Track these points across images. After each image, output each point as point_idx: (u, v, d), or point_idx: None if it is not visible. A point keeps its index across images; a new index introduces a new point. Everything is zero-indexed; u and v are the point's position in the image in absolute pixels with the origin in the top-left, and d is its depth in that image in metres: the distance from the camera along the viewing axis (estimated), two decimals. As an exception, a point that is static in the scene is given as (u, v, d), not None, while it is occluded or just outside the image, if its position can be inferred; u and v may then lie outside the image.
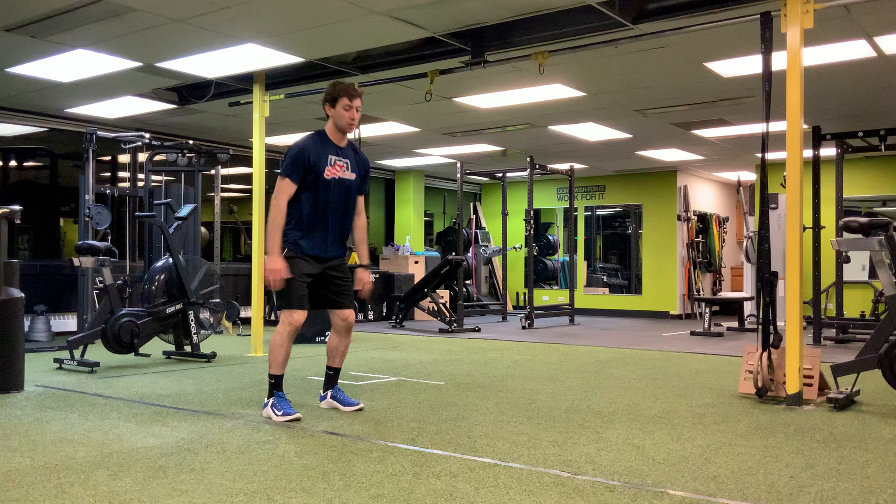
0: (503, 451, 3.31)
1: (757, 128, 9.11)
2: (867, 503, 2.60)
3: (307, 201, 4.01)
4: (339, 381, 4.34)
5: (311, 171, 3.96)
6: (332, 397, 4.26)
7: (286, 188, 3.97)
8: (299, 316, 3.99)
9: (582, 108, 8.33)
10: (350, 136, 4.22)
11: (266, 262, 3.95)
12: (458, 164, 10.92)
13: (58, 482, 2.80)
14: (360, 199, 4.25)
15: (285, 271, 3.90)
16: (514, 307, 14.03)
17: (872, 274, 10.25)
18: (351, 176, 4.11)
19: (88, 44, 6.06)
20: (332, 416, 4.07)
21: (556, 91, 7.55)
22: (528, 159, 10.64)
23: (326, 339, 7.85)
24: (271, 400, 4.02)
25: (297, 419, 3.91)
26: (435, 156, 11.85)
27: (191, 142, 8.83)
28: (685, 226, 13.14)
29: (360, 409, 4.20)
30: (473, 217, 14.33)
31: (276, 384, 4.04)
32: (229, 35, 5.83)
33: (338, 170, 4.04)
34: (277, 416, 3.93)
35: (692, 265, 13.15)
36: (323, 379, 4.39)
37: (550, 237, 14.76)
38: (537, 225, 14.09)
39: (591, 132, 9.72)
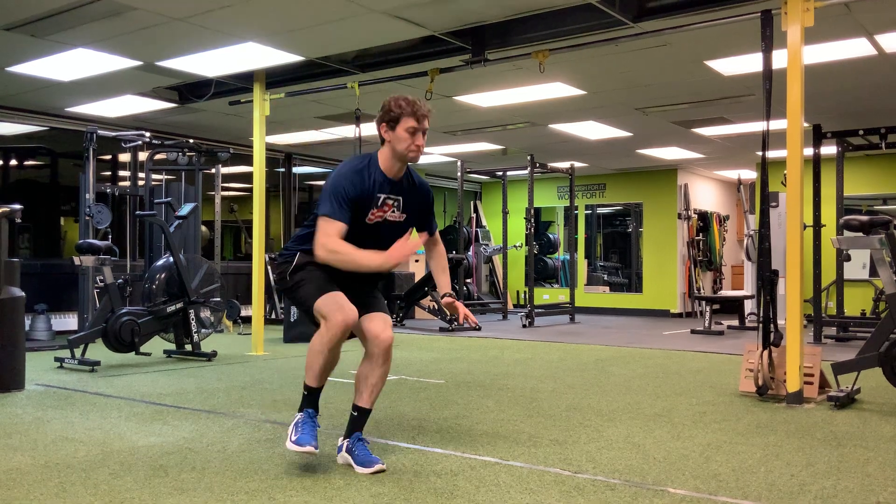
0: (504, 449, 3.31)
1: (757, 126, 9.10)
2: (868, 501, 2.61)
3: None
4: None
5: (352, 209, 2.99)
6: (349, 450, 3.03)
7: (332, 230, 2.93)
8: (338, 313, 2.88)
9: (582, 106, 8.32)
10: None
11: (387, 262, 2.92)
12: (459, 163, 10.92)
13: (59, 481, 2.80)
14: (433, 238, 3.36)
15: (403, 246, 2.94)
16: (515, 306, 14.03)
17: (873, 272, 10.24)
18: (400, 218, 3.13)
19: (89, 43, 6.06)
20: (332, 414, 4.06)
21: (557, 89, 7.55)
22: (529, 158, 10.64)
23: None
24: (298, 416, 3.03)
25: (309, 453, 2.95)
26: (435, 154, 11.84)
27: (191, 140, 8.84)
28: (686, 224, 13.14)
29: (381, 472, 2.95)
30: (474, 215, 14.33)
31: (308, 398, 3.04)
32: (229, 34, 5.82)
33: (385, 210, 3.08)
34: (290, 440, 2.95)
35: (693, 263, 13.15)
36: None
37: (551, 235, 14.76)
38: (538, 223, 14.09)
39: (592, 130, 9.72)
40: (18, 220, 5.21)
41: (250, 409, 4.22)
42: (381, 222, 3.08)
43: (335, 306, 2.90)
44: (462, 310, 3.21)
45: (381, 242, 3.04)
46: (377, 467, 2.95)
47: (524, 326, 10.08)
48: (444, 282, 3.32)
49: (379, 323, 3.05)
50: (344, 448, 3.07)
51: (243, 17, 5.43)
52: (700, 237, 13.38)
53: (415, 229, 3.29)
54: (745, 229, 11.32)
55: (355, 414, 3.08)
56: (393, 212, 3.10)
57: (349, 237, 2.96)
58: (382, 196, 3.05)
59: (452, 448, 3.33)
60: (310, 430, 2.96)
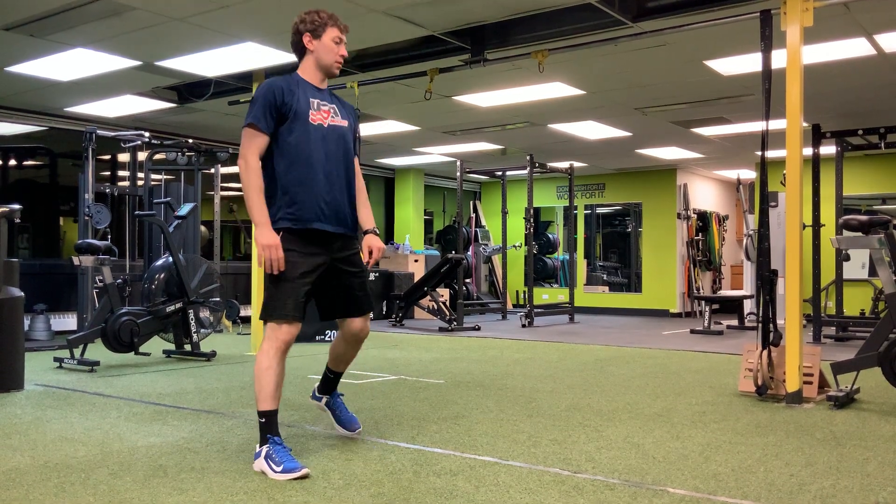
0: (503, 449, 3.31)
1: (757, 126, 9.10)
2: (867, 501, 2.61)
3: (291, 159, 3.02)
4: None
5: (287, 114, 3.02)
6: (328, 404, 3.48)
7: (253, 139, 2.99)
8: (289, 331, 2.97)
9: (581, 106, 8.32)
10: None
11: (256, 238, 2.96)
12: (458, 163, 10.92)
13: (58, 481, 2.80)
14: (356, 161, 3.33)
15: (280, 248, 2.95)
16: (514, 305, 14.03)
17: (872, 272, 10.25)
18: (344, 122, 3.19)
19: (88, 42, 6.06)
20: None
21: (556, 89, 7.55)
22: (528, 158, 10.64)
23: (328, 339, 7.90)
24: (264, 449, 2.90)
25: (305, 476, 2.83)
26: (435, 154, 11.84)
27: (190, 140, 8.83)
28: (685, 224, 13.15)
29: (357, 432, 3.48)
30: (473, 215, 14.33)
31: (268, 425, 2.94)
32: (229, 34, 5.82)
33: (325, 115, 3.11)
34: (275, 471, 2.82)
35: (692, 263, 13.15)
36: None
37: (550, 235, 14.76)
38: (537, 223, 14.09)
39: (591, 130, 9.72)
40: (17, 220, 5.20)
41: (249, 410, 4.22)
42: (327, 127, 3.10)
43: (279, 323, 2.97)
44: (377, 255, 3.24)
45: (340, 148, 3.14)
46: (357, 431, 3.46)
47: (523, 326, 10.08)
48: (365, 216, 3.28)
49: (358, 324, 3.23)
50: (324, 401, 3.46)
51: (242, 16, 5.43)
52: (699, 237, 13.38)
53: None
54: (744, 229, 11.33)
55: (331, 376, 3.43)
56: (333, 116, 3.15)
57: (312, 140, 3.04)
58: (316, 101, 3.11)
59: (452, 448, 3.33)
60: (288, 456, 2.88)
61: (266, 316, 3.01)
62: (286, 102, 3.03)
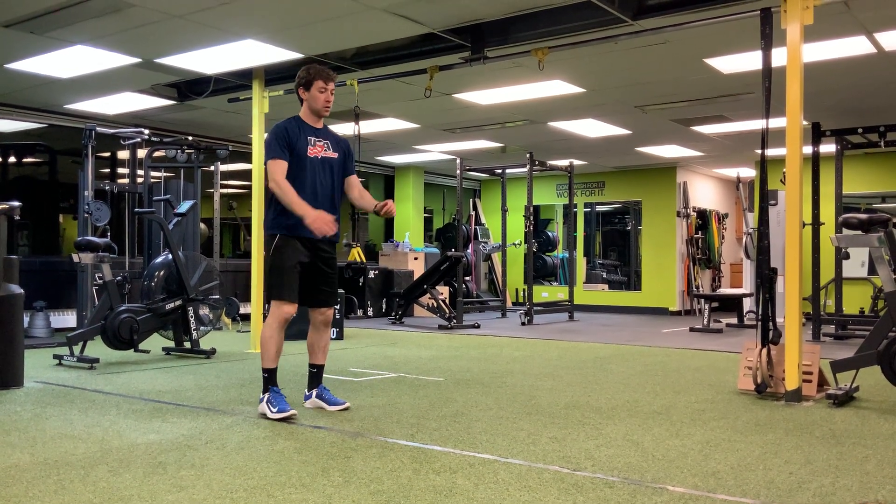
0: (502, 447, 3.31)
1: (757, 124, 9.10)
2: (866, 499, 2.61)
3: (293, 183, 3.90)
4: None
5: (293, 147, 3.94)
6: (318, 396, 4.12)
7: (278, 167, 3.89)
8: (289, 308, 3.93)
9: (581, 104, 8.32)
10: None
11: (307, 217, 3.77)
12: (458, 161, 10.91)
13: (58, 478, 2.80)
14: (354, 178, 4.18)
15: (324, 213, 3.80)
16: (514, 303, 14.03)
17: (872, 270, 10.25)
18: (334, 154, 4.07)
19: (88, 40, 6.06)
20: (329, 412, 4.07)
21: (556, 87, 7.55)
22: (528, 155, 10.64)
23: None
24: (266, 395, 3.94)
25: (293, 416, 3.83)
26: (434, 152, 11.84)
27: (190, 138, 8.83)
28: (684, 222, 13.15)
29: (347, 409, 4.08)
30: (473, 213, 14.33)
31: (269, 378, 3.96)
32: (228, 31, 5.82)
33: (319, 149, 4.02)
34: (272, 412, 3.84)
35: (691, 261, 13.15)
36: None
37: (550, 233, 14.76)
38: (537, 221, 14.08)
39: (591, 128, 9.72)
40: (17, 218, 5.20)
41: (249, 407, 4.22)
42: (323, 158, 4.02)
43: (281, 302, 3.92)
44: (391, 204, 4.05)
45: (328, 174, 4.04)
46: (346, 405, 4.07)
47: (523, 324, 10.08)
48: (369, 199, 4.15)
49: (322, 312, 4.08)
50: (314, 395, 4.12)
51: (242, 14, 5.43)
52: (699, 235, 13.38)
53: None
54: (744, 227, 11.33)
55: (314, 370, 4.14)
56: (327, 149, 4.07)
57: (307, 169, 3.94)
58: (312, 139, 4.03)
59: (451, 445, 3.33)
60: (283, 401, 3.91)
61: (270, 296, 3.97)
62: (292, 138, 3.96)
